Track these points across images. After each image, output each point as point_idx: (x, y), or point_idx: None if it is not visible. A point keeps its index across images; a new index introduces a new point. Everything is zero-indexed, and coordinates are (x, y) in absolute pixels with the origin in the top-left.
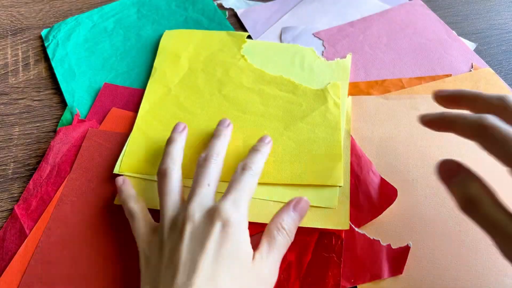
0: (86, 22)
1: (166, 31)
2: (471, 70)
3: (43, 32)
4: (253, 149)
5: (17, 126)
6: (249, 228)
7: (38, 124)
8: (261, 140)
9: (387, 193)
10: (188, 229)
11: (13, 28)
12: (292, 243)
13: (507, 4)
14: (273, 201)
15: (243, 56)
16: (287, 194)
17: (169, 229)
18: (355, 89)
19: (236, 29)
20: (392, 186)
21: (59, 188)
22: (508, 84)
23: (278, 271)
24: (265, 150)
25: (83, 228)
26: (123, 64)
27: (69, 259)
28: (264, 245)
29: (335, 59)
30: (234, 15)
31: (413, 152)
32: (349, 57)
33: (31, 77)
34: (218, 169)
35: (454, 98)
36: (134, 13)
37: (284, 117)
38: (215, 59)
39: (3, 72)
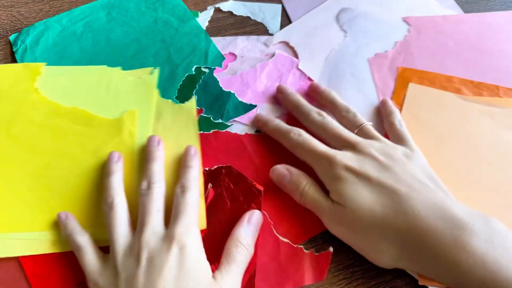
0: (54, 26)
1: None
2: None
3: (11, 37)
4: (183, 166)
5: None
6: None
7: None
8: (186, 154)
9: None
10: (144, 256)
11: (13, 28)
12: None
13: (507, 4)
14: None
15: (36, 89)
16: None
17: (123, 258)
18: (448, 83)
19: (237, 30)
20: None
21: None
22: None
23: (240, 285)
24: (195, 164)
25: None
26: None
27: None
28: (223, 263)
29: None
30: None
31: (470, 156)
32: (156, 72)
33: None
34: (162, 195)
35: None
36: (104, 16)
37: (76, 153)
38: (6, 95)
39: None
